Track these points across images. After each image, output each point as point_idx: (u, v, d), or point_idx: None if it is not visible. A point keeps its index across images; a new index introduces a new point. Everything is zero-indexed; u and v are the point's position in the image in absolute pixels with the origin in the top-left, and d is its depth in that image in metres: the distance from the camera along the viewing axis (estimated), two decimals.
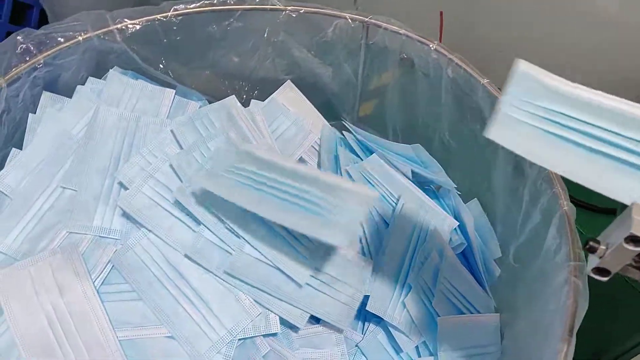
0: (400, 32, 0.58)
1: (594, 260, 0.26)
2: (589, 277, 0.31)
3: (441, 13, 0.90)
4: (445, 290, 0.53)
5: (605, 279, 0.27)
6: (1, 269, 0.47)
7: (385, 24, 0.59)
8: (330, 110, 0.70)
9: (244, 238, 0.49)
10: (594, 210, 0.71)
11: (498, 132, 0.29)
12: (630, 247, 0.24)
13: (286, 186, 0.41)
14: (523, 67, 0.31)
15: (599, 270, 0.26)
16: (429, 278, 0.53)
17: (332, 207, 0.39)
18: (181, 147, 0.53)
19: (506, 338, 0.54)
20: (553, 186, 0.45)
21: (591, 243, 0.26)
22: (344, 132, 0.69)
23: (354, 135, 0.67)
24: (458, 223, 0.59)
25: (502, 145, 0.29)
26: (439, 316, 0.52)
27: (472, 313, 0.55)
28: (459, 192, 0.63)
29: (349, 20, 0.60)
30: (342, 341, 0.51)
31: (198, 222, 0.50)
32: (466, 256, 0.60)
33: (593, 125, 0.28)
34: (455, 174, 0.63)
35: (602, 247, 0.26)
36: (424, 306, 0.53)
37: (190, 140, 0.53)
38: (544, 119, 0.30)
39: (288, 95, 0.66)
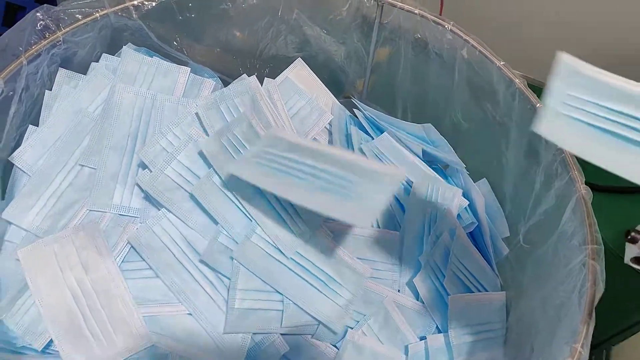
0: (415, 12, 0.58)
1: (632, 250, 0.27)
2: None
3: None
4: (456, 269, 0.55)
5: None
6: (25, 246, 0.48)
7: (400, 4, 0.59)
8: (340, 89, 0.71)
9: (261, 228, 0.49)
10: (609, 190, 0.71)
11: (548, 128, 0.29)
12: None
13: (314, 169, 0.42)
14: (567, 60, 0.31)
15: (638, 260, 0.27)
16: (439, 258, 0.55)
17: (360, 188, 0.39)
18: (206, 131, 0.53)
19: (511, 315, 0.56)
20: (569, 170, 0.46)
21: (633, 234, 0.27)
22: (354, 109, 0.69)
23: (364, 114, 0.68)
24: (468, 202, 0.61)
25: (552, 141, 0.29)
26: (449, 295, 0.54)
27: (480, 291, 0.57)
28: (467, 171, 0.64)
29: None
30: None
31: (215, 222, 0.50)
32: (474, 235, 0.62)
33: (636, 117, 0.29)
34: (465, 154, 0.64)
35: None
36: (434, 286, 0.54)
37: (216, 126, 0.53)
38: (592, 114, 0.30)
39: (299, 73, 0.66)
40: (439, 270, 0.54)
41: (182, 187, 0.50)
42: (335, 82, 0.70)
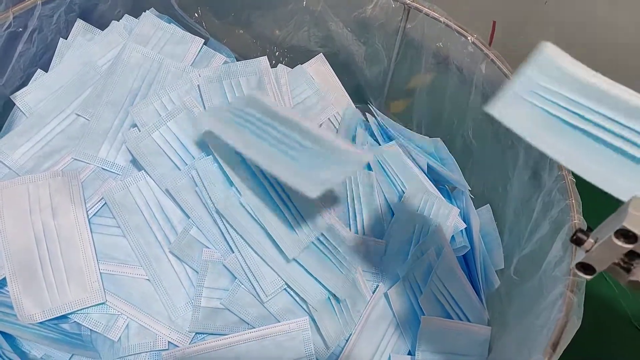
0: (441, 19, 0.56)
1: (580, 255, 0.24)
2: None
3: (494, 23, 0.87)
4: (436, 290, 0.51)
5: (589, 277, 0.25)
6: (1, 182, 0.47)
7: (426, 9, 0.57)
8: (359, 92, 0.69)
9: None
10: None
11: (502, 110, 0.27)
12: (620, 243, 0.22)
13: (284, 135, 0.41)
14: (549, 51, 0.29)
15: (584, 267, 0.24)
16: (420, 274, 0.51)
17: (322, 161, 0.38)
18: (203, 104, 0.52)
19: (493, 351, 0.51)
20: (567, 197, 0.42)
21: (579, 234, 0.24)
22: (367, 115, 0.67)
23: (377, 120, 0.66)
24: (465, 225, 0.57)
25: (503, 123, 0.27)
26: (423, 314, 0.50)
27: (461, 320, 0.53)
28: (472, 196, 0.60)
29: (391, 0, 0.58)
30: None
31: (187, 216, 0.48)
32: (467, 262, 0.58)
33: (607, 116, 0.26)
34: (472, 177, 0.61)
35: (591, 240, 0.24)
36: (409, 302, 0.51)
37: (214, 100, 0.52)
38: (552, 103, 0.28)
39: (318, 69, 0.65)
40: (418, 287, 0.51)
41: (166, 154, 0.49)
42: (356, 86, 0.68)
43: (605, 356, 0.63)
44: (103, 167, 0.51)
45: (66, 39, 0.56)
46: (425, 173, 0.61)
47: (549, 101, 0.28)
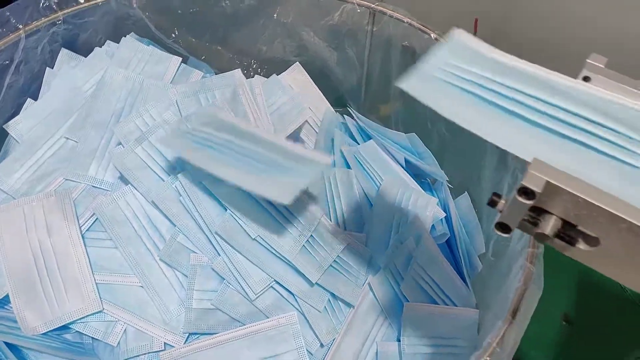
0: (404, 20, 0.59)
1: (498, 216, 0.26)
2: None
3: (476, 20, 0.90)
4: (417, 276, 0.53)
5: (507, 235, 0.27)
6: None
7: (390, 12, 0.60)
8: (337, 97, 0.72)
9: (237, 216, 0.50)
10: None
11: (412, 85, 0.30)
12: (522, 200, 0.24)
13: (244, 149, 0.43)
14: (459, 36, 0.32)
15: (501, 226, 0.26)
16: (401, 263, 0.54)
17: (285, 169, 0.40)
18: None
19: (480, 333, 0.53)
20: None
21: (493, 197, 0.26)
22: (346, 117, 0.70)
23: (356, 121, 0.68)
24: (445, 214, 0.59)
25: (413, 95, 0.30)
26: (408, 301, 0.52)
27: (447, 304, 0.55)
28: (450, 186, 0.63)
29: (356, 5, 0.61)
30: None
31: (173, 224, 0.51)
32: (451, 249, 0.60)
33: (510, 87, 0.29)
34: (449, 168, 0.63)
35: (502, 201, 0.26)
36: (392, 290, 0.53)
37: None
38: (461, 79, 0.30)
39: (296, 77, 0.68)
40: (399, 275, 0.53)
41: (150, 167, 0.52)
42: (334, 91, 0.71)
43: (609, 331, 0.71)
44: (93, 184, 0.54)
45: (52, 68, 0.60)
46: (404, 167, 0.64)
47: (458, 77, 0.30)
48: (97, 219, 0.52)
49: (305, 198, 0.53)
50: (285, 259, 0.50)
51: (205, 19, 0.64)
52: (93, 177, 0.54)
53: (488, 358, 0.35)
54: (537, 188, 0.23)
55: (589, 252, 0.25)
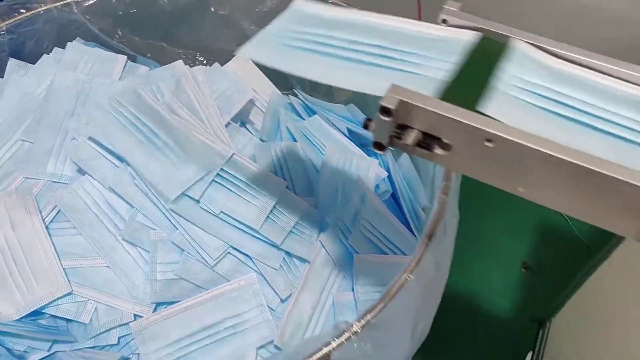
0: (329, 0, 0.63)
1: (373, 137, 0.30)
2: None
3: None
4: (365, 230, 0.58)
5: (382, 152, 0.31)
6: None
7: None
8: (283, 80, 0.76)
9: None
10: None
11: (253, 52, 0.34)
12: (383, 117, 0.29)
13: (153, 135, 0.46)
14: (300, 5, 0.37)
15: (376, 145, 0.31)
16: (348, 219, 0.58)
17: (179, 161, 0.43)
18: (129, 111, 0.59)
19: None
20: None
21: (366, 121, 0.31)
22: (292, 97, 0.74)
23: (302, 100, 0.73)
24: (387, 174, 0.64)
25: (255, 60, 0.34)
26: (357, 253, 0.57)
27: (396, 254, 0.59)
28: (391, 148, 0.67)
29: None
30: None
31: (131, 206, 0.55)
32: (398, 204, 0.65)
33: (349, 40, 0.34)
34: None
35: (372, 123, 0.30)
36: (343, 245, 0.57)
37: (135, 109, 0.57)
38: (302, 40, 0.34)
39: (242, 65, 0.72)
40: (348, 230, 0.58)
41: (104, 156, 0.56)
42: (280, 76, 0.75)
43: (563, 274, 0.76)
44: (53, 180, 0.57)
45: (2, 78, 0.63)
46: (347, 137, 0.68)
47: (300, 39, 0.34)
48: (59, 210, 0.55)
49: (266, 172, 0.58)
50: (242, 225, 0.54)
51: (146, 18, 0.68)
52: (52, 172, 0.57)
53: (409, 275, 0.40)
54: (392, 106, 0.28)
55: (445, 155, 0.29)
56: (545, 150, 0.26)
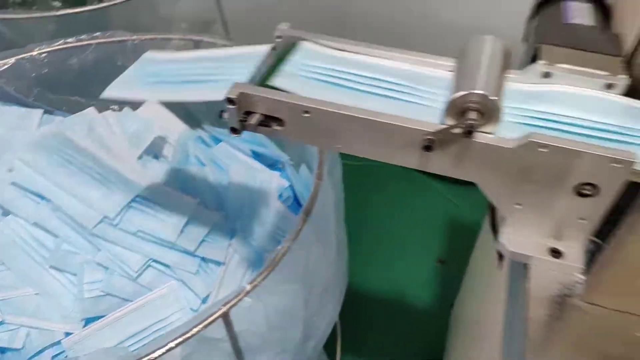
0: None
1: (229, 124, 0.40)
2: None
3: None
4: (269, 230, 0.66)
5: (237, 135, 0.40)
6: None
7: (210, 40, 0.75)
8: (192, 118, 0.85)
9: None
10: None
11: (119, 91, 0.45)
12: (230, 106, 0.38)
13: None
14: (148, 56, 0.48)
15: (232, 130, 0.39)
16: (256, 223, 0.66)
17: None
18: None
19: None
20: None
21: (221, 112, 0.40)
22: (201, 131, 0.83)
23: (209, 133, 0.82)
24: (288, 183, 0.73)
25: (118, 96, 0.44)
26: (265, 252, 0.65)
27: None
28: (292, 162, 0.77)
29: (180, 41, 0.76)
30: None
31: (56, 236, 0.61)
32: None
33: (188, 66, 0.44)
34: (290, 150, 0.78)
35: (226, 113, 0.39)
36: (251, 246, 0.65)
37: (48, 159, 0.65)
38: (156, 76, 0.45)
39: (153, 109, 0.81)
40: (256, 233, 0.66)
41: (27, 196, 0.62)
42: (190, 116, 0.84)
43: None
44: None
45: None
46: (253, 157, 0.77)
47: (154, 75, 0.45)
48: None
49: (178, 192, 0.66)
50: (159, 240, 0.61)
51: (58, 76, 0.76)
52: None
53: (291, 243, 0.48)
54: (234, 96, 0.37)
55: (281, 130, 0.39)
56: (342, 112, 0.36)
